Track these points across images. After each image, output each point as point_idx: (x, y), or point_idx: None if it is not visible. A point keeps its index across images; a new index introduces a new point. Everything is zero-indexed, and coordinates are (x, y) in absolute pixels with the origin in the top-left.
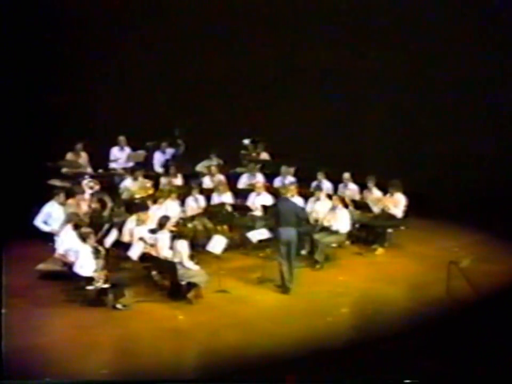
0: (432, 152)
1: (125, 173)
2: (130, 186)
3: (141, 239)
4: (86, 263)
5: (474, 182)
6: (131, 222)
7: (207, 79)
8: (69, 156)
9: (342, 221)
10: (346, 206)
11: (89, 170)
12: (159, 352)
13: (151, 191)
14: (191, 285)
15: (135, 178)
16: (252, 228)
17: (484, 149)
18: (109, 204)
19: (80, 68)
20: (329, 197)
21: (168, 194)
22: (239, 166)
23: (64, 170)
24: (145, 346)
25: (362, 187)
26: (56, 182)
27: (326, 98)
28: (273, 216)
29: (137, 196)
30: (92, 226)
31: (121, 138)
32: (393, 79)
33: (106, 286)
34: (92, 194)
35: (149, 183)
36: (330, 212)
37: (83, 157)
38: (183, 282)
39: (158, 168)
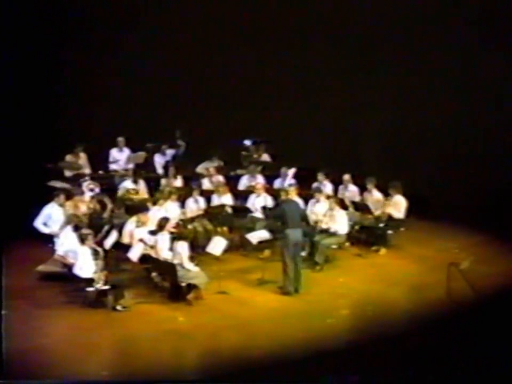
0: (432, 153)
1: (126, 174)
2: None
3: (141, 240)
4: (85, 264)
5: (474, 183)
6: (131, 223)
7: (208, 80)
8: (68, 157)
9: (340, 222)
10: (344, 207)
11: (88, 171)
12: (159, 353)
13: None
14: (191, 287)
15: (136, 181)
16: (251, 229)
17: (484, 149)
18: (109, 206)
19: (81, 68)
20: (329, 198)
21: (168, 195)
22: (240, 167)
23: (65, 172)
24: (145, 348)
25: (363, 189)
26: (56, 184)
27: (327, 100)
28: (279, 217)
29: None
30: (91, 227)
31: (120, 139)
32: (394, 80)
33: (106, 287)
34: (92, 196)
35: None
36: (328, 214)
37: (82, 158)
38: (183, 284)
39: (160, 170)
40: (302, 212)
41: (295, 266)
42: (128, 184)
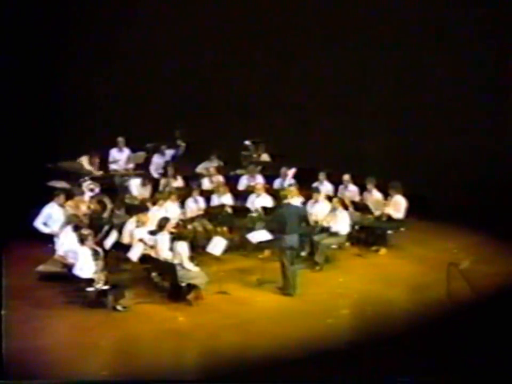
0: (432, 153)
1: (126, 174)
2: (139, 189)
3: (141, 240)
4: (85, 264)
5: (473, 183)
6: (131, 223)
7: (208, 80)
8: (84, 159)
9: (342, 222)
10: (346, 207)
11: (97, 173)
12: (159, 353)
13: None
14: (191, 287)
15: (144, 184)
16: (251, 229)
17: (484, 149)
18: (109, 206)
19: (81, 68)
20: (329, 198)
21: (168, 195)
22: (239, 167)
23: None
24: (145, 348)
25: (362, 189)
26: (56, 184)
27: (327, 100)
28: (277, 222)
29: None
30: (91, 228)
31: (120, 140)
32: (393, 80)
33: (106, 287)
34: (92, 196)
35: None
36: (330, 214)
37: (95, 164)
38: (183, 284)
39: (154, 173)
40: (302, 215)
41: (293, 268)
42: (137, 184)
